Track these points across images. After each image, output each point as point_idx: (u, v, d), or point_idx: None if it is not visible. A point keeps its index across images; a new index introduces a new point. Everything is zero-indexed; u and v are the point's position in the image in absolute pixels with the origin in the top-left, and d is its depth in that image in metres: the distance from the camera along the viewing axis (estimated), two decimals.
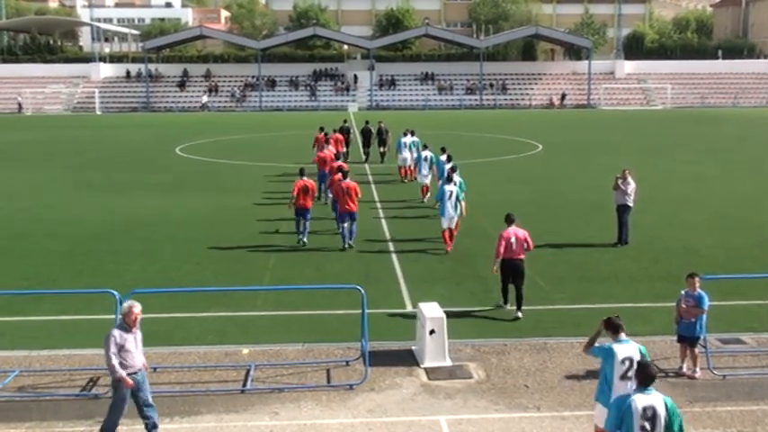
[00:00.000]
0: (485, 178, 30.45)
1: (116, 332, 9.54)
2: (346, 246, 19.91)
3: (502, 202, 25.90)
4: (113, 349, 9.41)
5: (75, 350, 12.92)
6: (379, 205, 26.37)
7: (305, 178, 20.77)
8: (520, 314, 14.55)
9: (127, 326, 9.61)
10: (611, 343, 8.78)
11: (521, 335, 13.48)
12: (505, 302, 15.01)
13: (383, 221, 23.29)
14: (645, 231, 21.11)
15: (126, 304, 9.76)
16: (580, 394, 11.07)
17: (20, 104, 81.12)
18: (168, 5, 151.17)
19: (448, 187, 19.54)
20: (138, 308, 9.68)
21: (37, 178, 33.23)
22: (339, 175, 21.07)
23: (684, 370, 11.83)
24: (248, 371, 11.89)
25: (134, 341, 9.62)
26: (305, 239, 20.36)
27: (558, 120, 67.27)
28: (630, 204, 20.03)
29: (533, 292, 15.58)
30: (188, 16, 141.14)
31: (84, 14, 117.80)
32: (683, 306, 11.74)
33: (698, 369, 11.74)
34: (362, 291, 11.95)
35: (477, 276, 17.19)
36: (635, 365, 8.13)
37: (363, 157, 38.21)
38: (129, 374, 9.51)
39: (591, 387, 11.21)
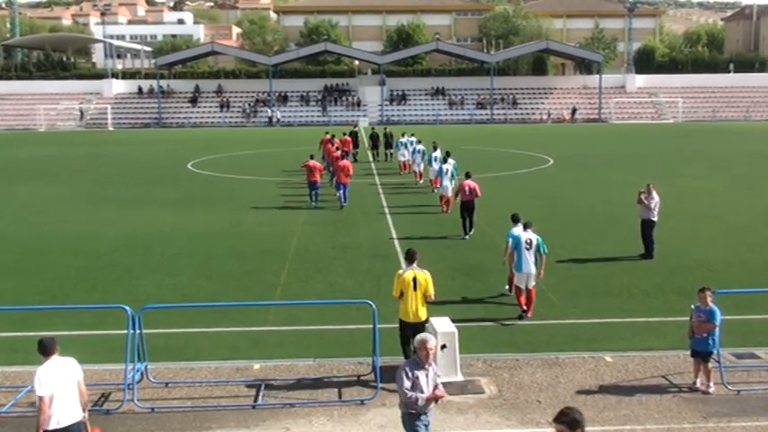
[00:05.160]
0: (496, 192, 30.33)
1: (407, 366, 8.62)
2: (342, 206, 27.71)
3: None
4: (407, 384, 8.47)
5: (86, 365, 12.83)
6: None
7: (312, 160, 28.59)
8: (472, 232, 22.42)
9: (420, 360, 8.64)
10: (513, 228, 15.60)
11: (533, 350, 13.42)
12: (464, 231, 22.29)
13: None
14: (659, 246, 20.95)
15: (419, 337, 8.75)
16: (593, 409, 10.99)
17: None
18: (180, 22, 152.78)
19: (445, 166, 27.03)
20: (431, 342, 8.62)
21: (51, 193, 33.44)
22: (341, 159, 29.08)
23: (698, 385, 11.73)
24: (260, 386, 11.87)
25: (426, 378, 8.58)
26: (314, 203, 28.09)
27: (569, 134, 67.21)
28: (654, 219, 20.01)
29: (546, 307, 15.56)
30: (200, 33, 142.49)
31: (97, 31, 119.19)
32: (695, 321, 11.68)
33: (712, 384, 11.65)
34: (373, 305, 11.94)
35: (489, 291, 17.14)
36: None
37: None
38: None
39: (604, 402, 11.19)
